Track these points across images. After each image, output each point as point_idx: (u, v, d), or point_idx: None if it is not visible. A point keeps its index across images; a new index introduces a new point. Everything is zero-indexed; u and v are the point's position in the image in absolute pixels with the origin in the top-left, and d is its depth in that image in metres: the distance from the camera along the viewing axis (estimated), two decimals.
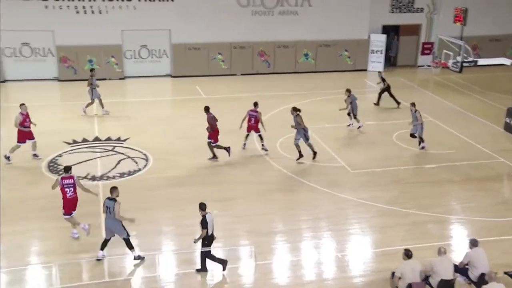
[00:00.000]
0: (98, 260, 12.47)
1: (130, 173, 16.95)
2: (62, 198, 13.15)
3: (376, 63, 30.43)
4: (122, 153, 18.37)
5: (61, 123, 21.11)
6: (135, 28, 27.05)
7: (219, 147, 17.92)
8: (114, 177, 16.64)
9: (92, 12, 26.41)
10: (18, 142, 17.31)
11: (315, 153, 18.05)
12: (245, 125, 18.61)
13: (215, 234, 12.18)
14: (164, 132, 20.44)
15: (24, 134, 17.32)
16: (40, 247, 13.06)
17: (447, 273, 11.03)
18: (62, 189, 13.06)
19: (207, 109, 17.71)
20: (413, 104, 19.01)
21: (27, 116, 17.37)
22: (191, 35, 27.73)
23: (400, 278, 10.96)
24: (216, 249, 13.03)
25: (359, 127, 20.97)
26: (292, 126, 17.86)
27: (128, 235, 12.38)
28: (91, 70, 22.41)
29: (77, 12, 26.21)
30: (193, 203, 15.14)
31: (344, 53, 30.01)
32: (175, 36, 27.70)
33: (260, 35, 28.60)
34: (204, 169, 17.29)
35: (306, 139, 17.81)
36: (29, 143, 17.50)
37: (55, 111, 22.86)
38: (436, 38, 31.02)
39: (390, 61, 31.84)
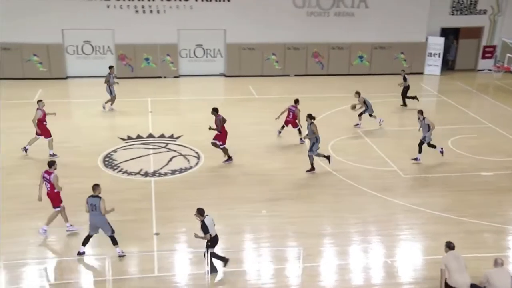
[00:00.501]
0: (80, 254, 12.49)
1: (181, 171, 17.20)
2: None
3: (433, 66, 29.70)
4: (174, 151, 18.67)
5: (117, 119, 21.65)
6: (191, 28, 27.45)
7: (225, 151, 17.65)
8: (166, 174, 16.93)
9: (151, 11, 26.99)
10: (47, 137, 17.63)
11: (313, 168, 17.17)
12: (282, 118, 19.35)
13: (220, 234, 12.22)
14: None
15: (46, 129, 17.64)
16: (93, 239, 13.40)
17: (504, 286, 10.61)
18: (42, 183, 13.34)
19: (215, 110, 17.61)
20: (420, 112, 17.97)
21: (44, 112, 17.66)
22: (246, 35, 27.89)
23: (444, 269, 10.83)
24: (264, 249, 13.07)
25: (380, 121, 21.06)
26: (305, 137, 17.41)
27: (112, 231, 12.42)
28: (110, 67, 22.89)
29: (136, 11, 26.86)
30: (242, 202, 15.30)
31: (400, 55, 29.44)
32: (230, 36, 27.93)
33: (314, 36, 28.43)
34: (253, 168, 17.34)
35: (311, 149, 17.01)
36: (39, 138, 17.77)
37: (113, 107, 23.47)
38: (499, 41, 30.01)
39: (448, 65, 30.97)
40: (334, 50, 28.78)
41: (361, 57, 29.16)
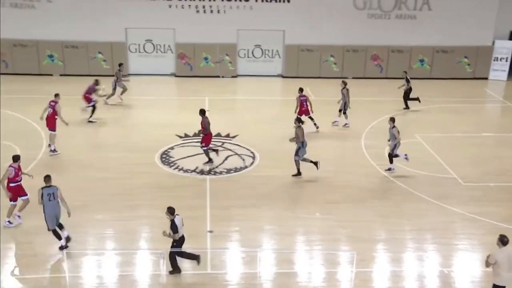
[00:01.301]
0: (63, 249, 12.53)
1: (236, 170, 17.33)
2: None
3: (500, 71, 28.64)
4: (230, 150, 18.83)
5: (175, 117, 22.05)
6: (250, 28, 27.62)
7: (207, 153, 17.50)
8: (221, 173, 17.10)
9: (211, 11, 27.35)
10: (52, 130, 17.82)
11: (299, 173, 16.77)
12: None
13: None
14: (273, 131, 20.66)
15: (55, 123, 17.80)
16: (148, 234, 13.73)
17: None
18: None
19: (202, 112, 17.39)
20: (392, 120, 17.22)
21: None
22: (305, 36, 27.80)
23: (494, 264, 10.29)
24: (316, 252, 12.99)
25: (345, 124, 21.03)
26: (291, 140, 16.88)
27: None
28: (120, 65, 23.32)
29: (197, 11, 27.28)
30: (295, 204, 15.27)
31: (463, 59, 28.55)
32: (289, 37, 27.92)
33: (374, 39, 28.01)
34: (308, 171, 17.22)
35: (296, 154, 16.60)
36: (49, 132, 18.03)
37: (171, 105, 23.97)
38: None
39: None
40: (394, 53, 28.26)
41: (422, 61, 28.48)
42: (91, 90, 20.86)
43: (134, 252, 12.80)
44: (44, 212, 12.40)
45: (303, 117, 19.34)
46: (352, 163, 18.05)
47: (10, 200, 13.58)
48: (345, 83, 21.13)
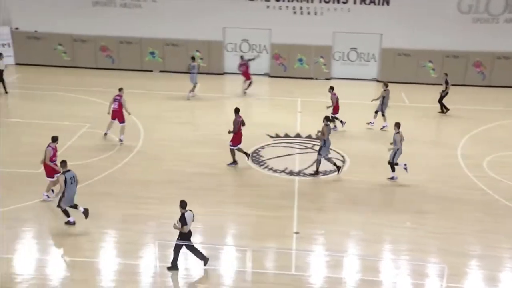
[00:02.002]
0: (71, 224, 13.51)
1: (325, 173, 17.21)
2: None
3: None
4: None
5: (267, 117, 22.25)
6: (347, 31, 27.30)
7: (233, 152, 17.20)
8: (310, 175, 17.05)
9: (308, 13, 27.35)
10: (121, 122, 18.79)
11: (317, 172, 16.87)
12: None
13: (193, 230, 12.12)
14: (365, 136, 20.32)
15: (123, 114, 18.79)
16: (235, 231, 13.97)
17: None
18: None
19: (237, 111, 17.14)
20: (397, 125, 16.52)
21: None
22: (402, 40, 27.04)
23: None
24: (403, 262, 12.61)
25: (383, 126, 20.68)
26: (316, 135, 17.02)
27: None
28: (192, 58, 24.05)
29: (294, 12, 27.38)
30: (385, 211, 14.90)
31: None
32: (386, 40, 27.30)
33: (478, 44, 26.69)
34: (399, 178, 16.77)
35: (319, 152, 16.68)
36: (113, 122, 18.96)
37: (263, 105, 24.22)
38: None
39: None
40: (500, 60, 26.77)
41: None
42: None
43: (221, 247, 13.07)
44: (64, 194, 13.27)
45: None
46: (446, 172, 17.34)
47: (47, 176, 14.88)
48: (386, 85, 20.86)
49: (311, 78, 28.01)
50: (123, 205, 14.70)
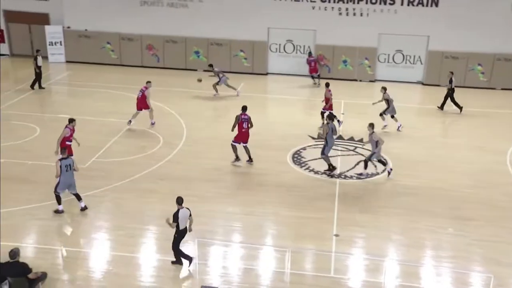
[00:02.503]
0: (59, 213, 14.02)
1: (367, 176, 17.01)
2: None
3: None
4: (362, 155, 18.52)
5: (310, 118, 22.13)
6: (393, 32, 26.92)
7: (234, 149, 17.29)
8: (351, 177, 16.90)
9: (354, 14, 27.09)
10: (147, 108, 20.25)
11: (331, 167, 17.13)
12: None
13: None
14: (410, 139, 19.97)
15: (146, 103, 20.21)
16: (274, 231, 13.96)
17: None
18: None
19: (243, 108, 17.39)
20: (371, 125, 16.66)
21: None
22: (451, 43, 26.46)
23: None
24: (445, 269, 12.33)
25: (399, 127, 20.68)
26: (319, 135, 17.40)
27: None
28: (210, 66, 24.28)
29: (340, 13, 27.18)
30: (426, 216, 14.60)
31: None
32: (433, 42, 26.76)
33: None
34: (441, 183, 16.41)
35: (322, 152, 16.99)
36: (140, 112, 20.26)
37: (305, 106, 24.14)
38: None
39: None
40: None
41: None
42: None
43: (260, 247, 13.10)
44: (59, 180, 13.83)
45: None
46: (493, 179, 16.86)
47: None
48: (385, 89, 20.85)
49: (355, 80, 27.75)
50: (164, 202, 14.90)
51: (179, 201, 11.86)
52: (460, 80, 26.64)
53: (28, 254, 12.30)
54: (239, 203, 15.10)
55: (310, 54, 27.03)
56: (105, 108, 21.75)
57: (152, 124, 20.26)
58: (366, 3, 26.77)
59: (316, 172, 17.12)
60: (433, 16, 26.34)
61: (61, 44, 29.12)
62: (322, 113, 20.73)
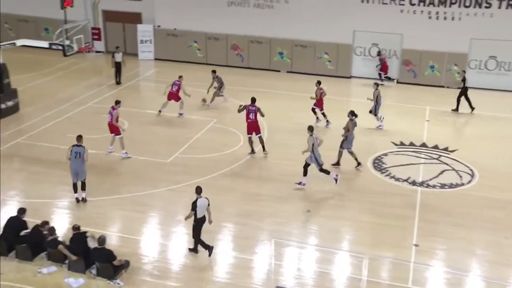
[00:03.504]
0: (79, 201, 14.55)
1: (451, 186, 16.37)
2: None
3: None
4: (447, 164, 17.85)
5: (393, 123, 21.58)
6: (486, 37, 25.65)
7: (250, 142, 18.01)
8: (434, 186, 16.32)
9: (444, 18, 26.12)
10: (177, 100, 21.36)
11: (358, 163, 17.31)
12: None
13: None
14: (499, 150, 18.99)
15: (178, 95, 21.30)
16: (352, 236, 13.75)
17: None
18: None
19: (253, 100, 18.05)
20: (310, 128, 15.88)
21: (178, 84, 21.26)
22: None
23: None
24: None
25: (379, 126, 20.76)
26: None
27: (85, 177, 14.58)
28: (214, 71, 23.33)
29: (429, 17, 26.30)
30: None
31: None
32: None
33: None
34: None
35: (341, 145, 17.18)
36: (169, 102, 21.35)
37: (389, 112, 23.47)
38: None
39: None
40: None
41: None
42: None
43: (336, 251, 12.95)
44: (70, 165, 14.46)
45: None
46: None
47: (116, 135, 17.36)
48: (377, 84, 20.83)
49: (442, 86, 26.76)
50: (242, 200, 15.10)
51: (198, 190, 12.28)
52: None
53: (113, 242, 12.87)
54: (317, 205, 15.01)
55: (380, 53, 27.13)
56: (189, 105, 22.26)
57: (181, 114, 21.38)
58: (459, 6, 25.70)
59: (397, 179, 16.69)
60: None
61: (150, 42, 30.21)
62: (313, 110, 20.88)
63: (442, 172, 17.27)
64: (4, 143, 18.36)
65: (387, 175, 17.02)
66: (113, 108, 17.46)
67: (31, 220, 12.65)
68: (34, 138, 18.92)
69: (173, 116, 21.25)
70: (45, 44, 21.54)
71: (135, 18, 30.61)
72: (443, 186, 16.37)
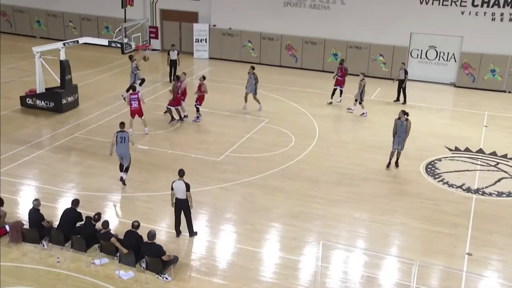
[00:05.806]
0: (121, 180, 15.43)
1: (509, 194, 15.79)
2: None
3: None
4: (505, 172, 17.23)
5: (448, 128, 21.04)
6: None
7: (170, 112, 20.29)
8: (490, 194, 15.79)
9: (510, 20, 25.17)
10: (178, 104, 20.79)
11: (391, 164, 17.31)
12: None
13: None
14: None
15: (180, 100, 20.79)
16: (401, 242, 13.49)
17: None
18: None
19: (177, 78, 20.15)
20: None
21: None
22: None
23: None
24: None
25: (363, 113, 21.68)
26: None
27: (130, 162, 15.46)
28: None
29: (493, 19, 25.41)
30: None
31: None
32: None
33: None
34: None
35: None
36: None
37: (445, 116, 22.97)
38: None
39: None
40: None
41: None
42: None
43: (384, 256, 12.74)
44: (116, 151, 15.24)
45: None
46: None
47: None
48: (364, 74, 21.76)
49: (504, 91, 25.83)
50: (292, 201, 15.08)
51: (180, 173, 13.02)
52: None
53: (162, 237, 13.12)
54: (367, 209, 14.80)
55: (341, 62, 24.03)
56: (241, 104, 22.39)
57: (185, 116, 21.24)
58: None
59: (451, 185, 16.25)
60: None
61: (206, 41, 30.61)
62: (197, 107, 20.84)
63: (499, 179, 16.69)
64: (63, 136, 19.07)
65: (440, 180, 16.59)
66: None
67: (85, 212, 13.08)
68: (91, 132, 19.54)
69: (225, 115, 21.44)
70: (105, 42, 22.18)
71: (192, 17, 31.11)
72: (500, 194, 15.81)
